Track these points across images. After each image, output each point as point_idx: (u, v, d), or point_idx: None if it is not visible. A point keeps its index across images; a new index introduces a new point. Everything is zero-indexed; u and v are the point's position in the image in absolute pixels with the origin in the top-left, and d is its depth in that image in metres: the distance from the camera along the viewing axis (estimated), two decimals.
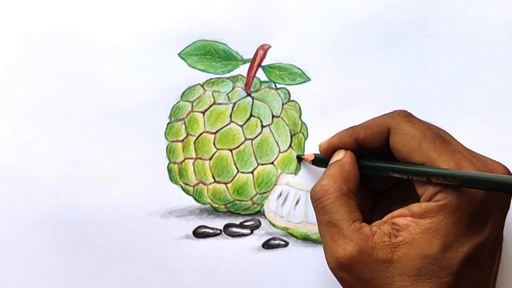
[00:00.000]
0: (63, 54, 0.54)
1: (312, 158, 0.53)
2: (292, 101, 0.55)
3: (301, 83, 0.54)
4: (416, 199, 0.46)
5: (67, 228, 0.54)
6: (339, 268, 0.45)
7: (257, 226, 0.55)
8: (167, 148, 0.54)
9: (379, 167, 0.48)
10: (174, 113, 0.54)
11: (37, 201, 0.54)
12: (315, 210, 0.47)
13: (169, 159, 0.54)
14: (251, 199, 0.55)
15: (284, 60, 0.54)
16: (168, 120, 0.54)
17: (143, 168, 0.54)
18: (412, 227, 0.44)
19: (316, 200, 0.47)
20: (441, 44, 0.54)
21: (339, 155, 0.49)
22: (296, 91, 0.54)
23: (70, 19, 0.54)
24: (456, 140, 0.48)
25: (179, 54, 0.54)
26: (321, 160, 0.52)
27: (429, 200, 0.45)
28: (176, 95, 0.54)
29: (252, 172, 0.54)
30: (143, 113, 0.54)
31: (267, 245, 0.54)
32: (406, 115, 0.47)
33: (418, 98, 0.54)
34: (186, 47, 0.54)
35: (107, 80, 0.54)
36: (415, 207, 0.45)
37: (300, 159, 0.54)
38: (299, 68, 0.54)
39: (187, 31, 0.54)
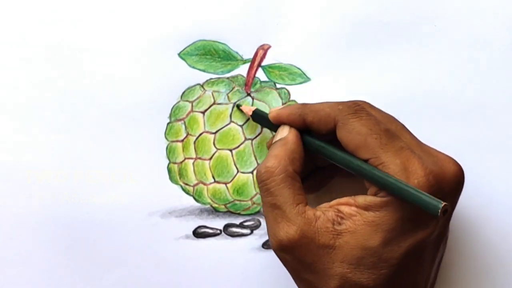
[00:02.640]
0: (63, 54, 0.54)
1: (251, 113, 0.52)
2: (292, 101, 0.55)
3: (301, 83, 0.54)
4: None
5: (67, 228, 0.54)
6: (281, 250, 0.46)
7: (257, 226, 0.55)
8: (167, 148, 0.54)
9: (324, 151, 0.47)
10: (174, 113, 0.54)
11: (37, 201, 0.54)
12: (260, 191, 0.47)
13: (169, 159, 0.54)
14: (251, 199, 0.55)
15: (284, 60, 0.54)
16: (168, 120, 0.54)
17: (143, 168, 0.54)
18: (356, 217, 0.44)
19: (261, 181, 0.46)
20: (441, 44, 0.54)
21: (284, 132, 0.48)
22: (296, 91, 0.54)
23: (70, 19, 0.54)
24: (409, 134, 0.47)
25: (179, 54, 0.54)
26: (261, 118, 0.51)
27: (375, 194, 0.45)
28: (176, 95, 0.54)
29: (252, 172, 0.54)
30: (143, 113, 0.54)
31: (267, 245, 0.54)
32: (355, 110, 0.46)
33: (418, 98, 0.54)
34: (186, 47, 0.54)
35: (107, 80, 0.54)
36: (360, 198, 0.45)
37: (239, 109, 0.54)
38: (299, 68, 0.54)
39: (187, 31, 0.54)
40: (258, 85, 0.55)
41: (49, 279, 0.54)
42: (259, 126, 0.54)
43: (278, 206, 0.46)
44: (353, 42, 0.54)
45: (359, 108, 0.46)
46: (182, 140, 0.55)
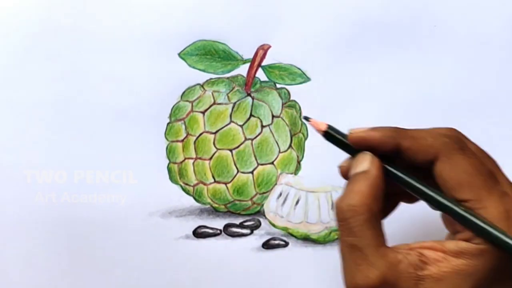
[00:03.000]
0: (63, 54, 0.54)
1: (325, 128, 0.44)
2: (292, 101, 0.55)
3: (301, 83, 0.54)
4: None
5: (67, 228, 0.54)
6: None
7: (257, 226, 0.55)
8: (167, 148, 0.54)
9: (412, 186, 0.43)
10: (174, 113, 0.54)
11: (37, 201, 0.54)
12: (339, 229, 0.43)
13: (169, 159, 0.54)
14: (251, 199, 0.55)
15: (284, 60, 0.54)
16: (168, 120, 0.54)
17: (143, 168, 0.54)
18: (443, 263, 0.41)
19: (343, 219, 0.42)
20: (441, 44, 0.54)
21: (365, 164, 0.43)
22: (296, 91, 0.54)
23: (70, 19, 0.54)
24: (503, 174, 0.44)
25: (179, 54, 0.54)
26: (335, 138, 0.43)
27: (468, 240, 0.41)
28: (176, 95, 0.54)
29: (252, 172, 0.54)
30: (143, 113, 0.54)
31: (267, 245, 0.54)
32: (460, 146, 0.43)
33: (418, 98, 0.54)
34: (186, 47, 0.54)
35: (107, 80, 0.54)
36: (450, 244, 0.42)
37: (307, 120, 0.44)
38: (299, 68, 0.54)
39: (187, 31, 0.54)
40: (258, 85, 0.55)
41: (49, 279, 0.54)
42: (259, 126, 0.54)
43: (359, 248, 0.41)
44: (353, 42, 0.54)
45: (463, 140, 0.43)
46: (182, 140, 0.55)
